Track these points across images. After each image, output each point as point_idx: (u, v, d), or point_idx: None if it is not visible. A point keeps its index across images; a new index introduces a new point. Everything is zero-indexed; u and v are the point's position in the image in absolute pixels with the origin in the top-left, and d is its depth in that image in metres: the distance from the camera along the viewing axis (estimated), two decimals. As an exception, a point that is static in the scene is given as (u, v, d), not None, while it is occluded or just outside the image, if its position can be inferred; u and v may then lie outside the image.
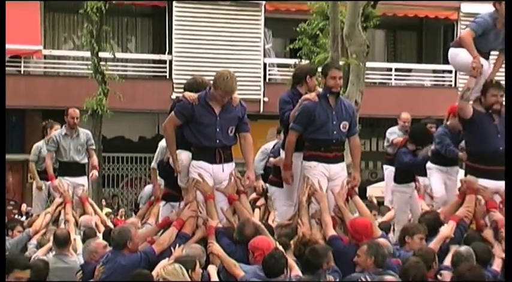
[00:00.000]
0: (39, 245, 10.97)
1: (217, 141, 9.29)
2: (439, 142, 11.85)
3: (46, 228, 11.57)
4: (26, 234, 11.44)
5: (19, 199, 27.34)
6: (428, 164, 12.16)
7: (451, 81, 29.95)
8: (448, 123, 11.99)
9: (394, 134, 14.58)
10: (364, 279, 8.00)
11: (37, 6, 27.10)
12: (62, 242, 9.95)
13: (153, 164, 11.86)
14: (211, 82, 9.31)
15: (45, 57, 27.93)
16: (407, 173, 12.27)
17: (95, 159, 13.74)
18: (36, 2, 26.98)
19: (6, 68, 24.20)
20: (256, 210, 11.31)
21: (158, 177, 11.59)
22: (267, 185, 11.34)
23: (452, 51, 10.46)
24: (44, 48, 27.78)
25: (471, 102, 10.14)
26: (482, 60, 10.06)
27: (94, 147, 13.83)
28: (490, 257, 8.96)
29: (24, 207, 25.02)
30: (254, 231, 8.72)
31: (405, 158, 12.11)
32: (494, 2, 10.10)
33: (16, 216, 22.30)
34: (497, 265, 8.80)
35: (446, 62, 29.80)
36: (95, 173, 13.70)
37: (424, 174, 12.64)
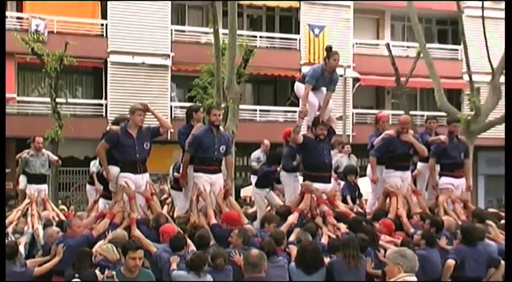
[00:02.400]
0: (14, 232, 10.81)
1: (137, 156, 9.27)
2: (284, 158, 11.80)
3: (18, 220, 11.29)
4: (3, 224, 11.12)
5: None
6: (283, 173, 12.01)
7: (295, 118, 30.18)
8: (290, 143, 11.94)
9: (258, 154, 14.78)
10: (234, 253, 8.05)
11: (12, 67, 26.48)
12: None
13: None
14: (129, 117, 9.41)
15: (18, 102, 27.20)
16: (264, 181, 12.04)
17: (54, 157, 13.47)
18: (11, 63, 26.30)
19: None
20: (166, 206, 11.23)
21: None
22: (171, 189, 11.25)
23: (297, 85, 10.62)
24: (17, 95, 27.12)
25: (304, 131, 10.28)
26: (312, 99, 10.20)
27: (55, 157, 13.55)
28: (317, 235, 9.10)
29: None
30: (165, 221, 8.72)
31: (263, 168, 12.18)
32: (324, 58, 10.25)
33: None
34: (324, 240, 8.96)
35: (293, 105, 30.06)
36: (54, 158, 13.39)
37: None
